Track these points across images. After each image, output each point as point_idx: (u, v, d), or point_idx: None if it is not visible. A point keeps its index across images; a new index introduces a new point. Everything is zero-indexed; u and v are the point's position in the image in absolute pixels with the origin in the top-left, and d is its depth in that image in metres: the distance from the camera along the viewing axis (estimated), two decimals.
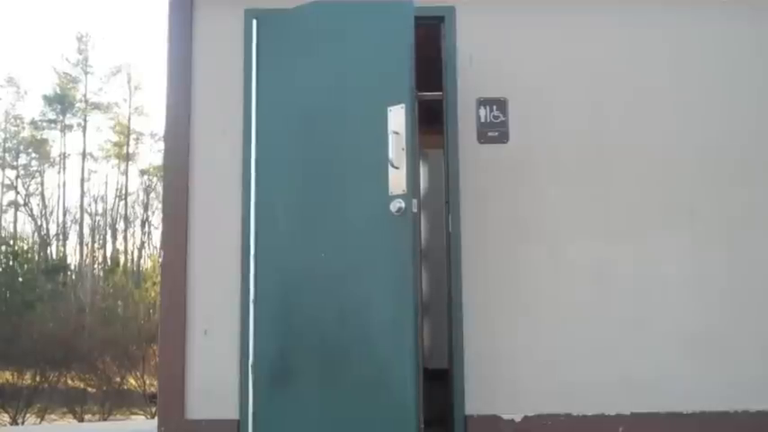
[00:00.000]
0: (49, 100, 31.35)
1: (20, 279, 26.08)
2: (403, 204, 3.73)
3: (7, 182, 30.20)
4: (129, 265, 29.55)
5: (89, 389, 20.75)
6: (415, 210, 3.77)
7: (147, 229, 30.29)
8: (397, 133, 3.79)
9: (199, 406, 4.27)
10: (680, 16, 4.62)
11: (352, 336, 3.86)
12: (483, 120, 4.48)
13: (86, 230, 30.31)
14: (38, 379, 19.91)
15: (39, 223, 29.82)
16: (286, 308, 4.13)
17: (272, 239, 4.22)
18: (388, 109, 3.86)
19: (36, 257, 28.88)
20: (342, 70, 4.12)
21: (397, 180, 3.78)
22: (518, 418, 4.23)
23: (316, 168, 4.13)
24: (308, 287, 4.05)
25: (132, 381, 20.71)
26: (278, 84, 4.34)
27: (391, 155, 3.76)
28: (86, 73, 31.62)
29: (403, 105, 3.83)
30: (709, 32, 4.61)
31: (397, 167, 3.77)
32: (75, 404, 19.54)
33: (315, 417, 3.92)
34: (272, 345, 4.13)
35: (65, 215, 30.33)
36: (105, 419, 17.90)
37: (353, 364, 3.84)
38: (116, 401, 19.82)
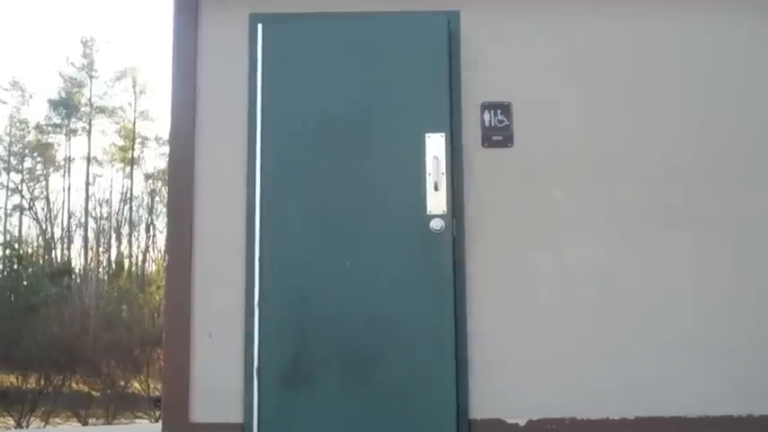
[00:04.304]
0: (54, 104, 31.41)
1: (24, 283, 26.11)
2: (443, 223, 4.18)
3: (12, 186, 30.27)
4: (133, 269, 29.58)
5: (93, 392, 20.76)
6: (452, 230, 4.22)
7: (151, 233, 30.31)
8: (437, 158, 4.22)
9: (203, 409, 4.28)
10: (685, 18, 4.62)
11: (385, 343, 4.17)
12: (487, 124, 4.49)
13: (91, 234, 30.34)
14: (42, 382, 19.93)
15: (43, 227, 29.87)
16: (299, 313, 4.21)
17: (280, 244, 4.27)
18: (426, 135, 4.24)
19: (41, 261, 28.93)
20: (371, 86, 4.36)
21: (437, 201, 4.23)
22: (522, 422, 4.23)
23: (336, 179, 4.32)
24: (328, 294, 4.22)
25: (136, 384, 20.72)
26: (288, 91, 4.39)
27: (435, 178, 4.24)
28: (91, 77, 31.68)
29: (443, 134, 4.28)
30: (714, 34, 4.61)
31: (438, 190, 4.22)
32: (79, 408, 19.55)
33: (334, 420, 4.09)
34: (282, 349, 4.17)
35: (70, 219, 30.37)
36: (109, 423, 17.90)
37: (386, 370, 4.13)
38: (120, 405, 19.82)
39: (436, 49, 4.33)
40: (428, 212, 4.22)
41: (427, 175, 4.25)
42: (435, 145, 4.26)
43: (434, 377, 4.08)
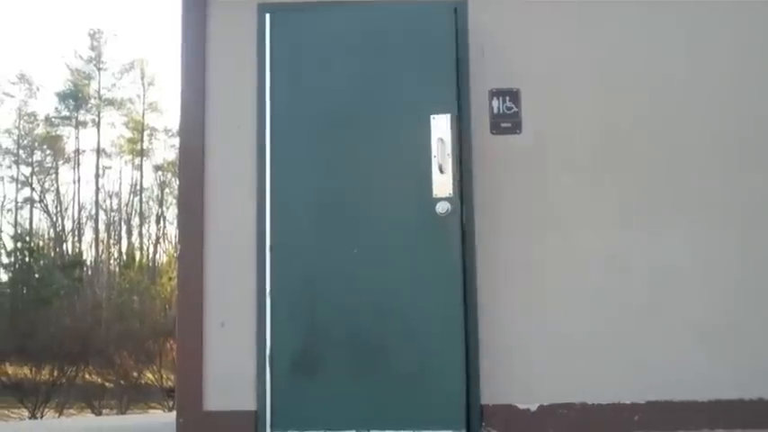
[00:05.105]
0: (62, 96, 31.51)
1: (36, 275, 26.26)
2: (449, 206, 4.12)
3: (23, 178, 30.40)
4: (144, 260, 29.69)
5: (107, 384, 20.88)
6: (459, 212, 4.17)
7: (162, 224, 30.42)
8: (442, 140, 4.16)
9: (216, 397, 4.31)
10: (696, 3, 4.61)
11: (393, 329, 4.15)
12: (496, 111, 4.49)
13: (101, 226, 30.48)
14: (56, 374, 20.04)
15: (54, 219, 30.01)
16: (308, 300, 4.23)
17: (291, 233, 4.29)
18: (431, 117, 4.18)
19: (52, 253, 29.07)
20: (378, 73, 4.35)
21: (442, 184, 4.17)
22: (533, 408, 4.25)
23: (345, 166, 4.31)
24: (337, 281, 4.22)
25: (149, 375, 20.83)
26: (297, 80, 4.40)
27: (439, 160, 4.16)
28: (99, 69, 31.76)
29: (448, 115, 4.20)
30: (724, 18, 4.58)
31: (443, 172, 4.15)
32: (92, 399, 19.67)
33: (345, 406, 4.11)
34: (293, 337, 4.20)
35: (80, 211, 30.52)
36: (123, 414, 18.01)
37: (396, 357, 4.13)
38: (134, 396, 19.94)
39: (441, 35, 4.30)
40: (434, 196, 4.18)
41: (433, 158, 4.19)
42: (440, 127, 4.20)
43: (445, 363, 4.08)
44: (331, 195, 4.29)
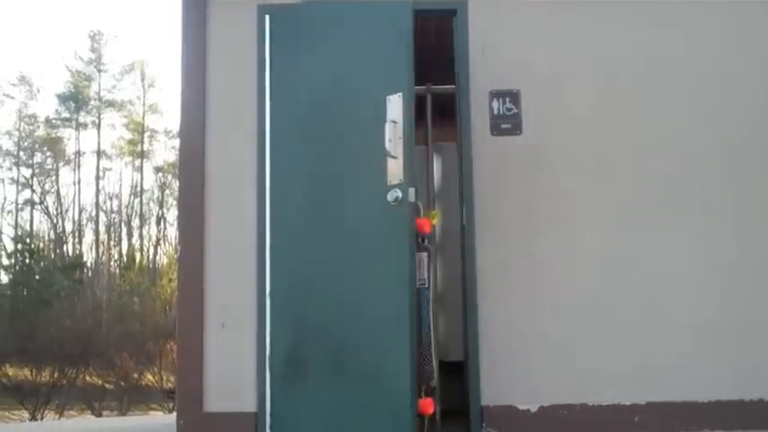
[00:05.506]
0: (62, 98, 31.47)
1: (36, 277, 26.26)
2: (400, 194, 3.75)
3: (23, 180, 30.39)
4: (144, 262, 29.68)
5: (107, 385, 20.89)
6: (411, 199, 3.78)
7: (162, 226, 30.40)
8: (395, 122, 3.80)
9: (217, 399, 4.31)
10: (695, 3, 4.62)
11: (352, 326, 3.92)
12: (496, 112, 4.49)
13: (102, 228, 30.45)
14: (56, 375, 20.05)
15: (54, 221, 29.99)
16: (296, 300, 4.15)
17: (285, 231, 4.25)
18: (387, 99, 3.86)
19: (52, 255, 29.05)
20: (343, 65, 4.14)
21: (395, 170, 3.80)
22: (534, 408, 4.25)
23: (321, 162, 4.15)
24: (316, 279, 4.09)
25: (150, 377, 20.83)
26: (288, 79, 4.36)
27: (388, 144, 3.76)
28: (100, 71, 31.72)
29: (400, 94, 3.83)
30: (725, 19, 4.59)
31: (394, 157, 3.78)
32: (93, 400, 19.68)
33: (323, 408, 3.94)
34: (285, 338, 4.17)
35: (80, 213, 30.47)
36: (124, 415, 18.01)
37: (353, 354, 3.88)
38: (134, 397, 19.95)
39: (399, 24, 3.96)
40: (389, 183, 3.81)
41: (387, 143, 3.76)
42: (393, 108, 3.83)
43: (393, 366, 3.71)
44: (318, 194, 4.15)
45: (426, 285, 3.92)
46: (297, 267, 4.18)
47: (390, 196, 3.77)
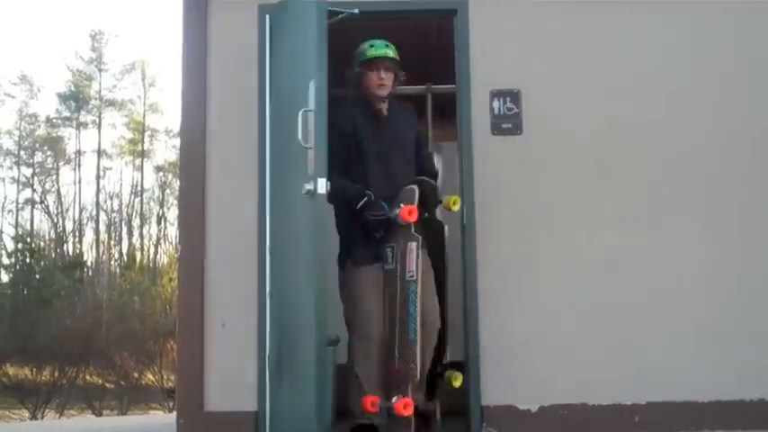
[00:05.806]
0: (63, 97, 31.56)
1: (37, 276, 26.30)
2: (311, 186, 3.66)
3: (24, 179, 30.43)
4: (145, 261, 29.72)
5: (107, 384, 20.92)
6: (321, 191, 3.66)
7: (162, 225, 30.46)
8: (309, 111, 3.74)
9: (217, 398, 4.30)
10: (697, 2, 4.61)
11: (289, 323, 3.99)
12: (496, 112, 4.49)
13: (102, 227, 30.51)
14: (56, 375, 20.08)
15: (55, 220, 30.04)
16: (281, 301, 4.15)
17: (280, 232, 4.25)
18: (309, 86, 3.78)
19: (53, 254, 29.10)
20: (293, 62, 4.14)
21: (311, 161, 3.71)
22: (534, 408, 4.25)
23: (286, 159, 4.13)
24: (283, 275, 4.11)
25: (150, 376, 20.87)
26: (285, 77, 4.35)
27: (300, 134, 3.71)
28: (100, 70, 31.81)
29: (312, 81, 3.76)
30: (727, 15, 4.58)
31: (308, 147, 3.70)
32: (93, 400, 19.71)
33: (287, 406, 3.98)
34: (274, 336, 4.17)
35: (81, 212, 30.56)
36: (124, 414, 18.03)
37: (298, 352, 3.87)
38: (134, 397, 19.98)
39: (312, 15, 3.87)
40: (310, 174, 3.71)
41: (299, 133, 3.71)
42: (310, 97, 3.74)
43: (308, 353, 3.67)
44: (287, 192, 4.11)
45: (414, 278, 3.84)
46: (281, 268, 4.18)
47: (304, 189, 3.68)
